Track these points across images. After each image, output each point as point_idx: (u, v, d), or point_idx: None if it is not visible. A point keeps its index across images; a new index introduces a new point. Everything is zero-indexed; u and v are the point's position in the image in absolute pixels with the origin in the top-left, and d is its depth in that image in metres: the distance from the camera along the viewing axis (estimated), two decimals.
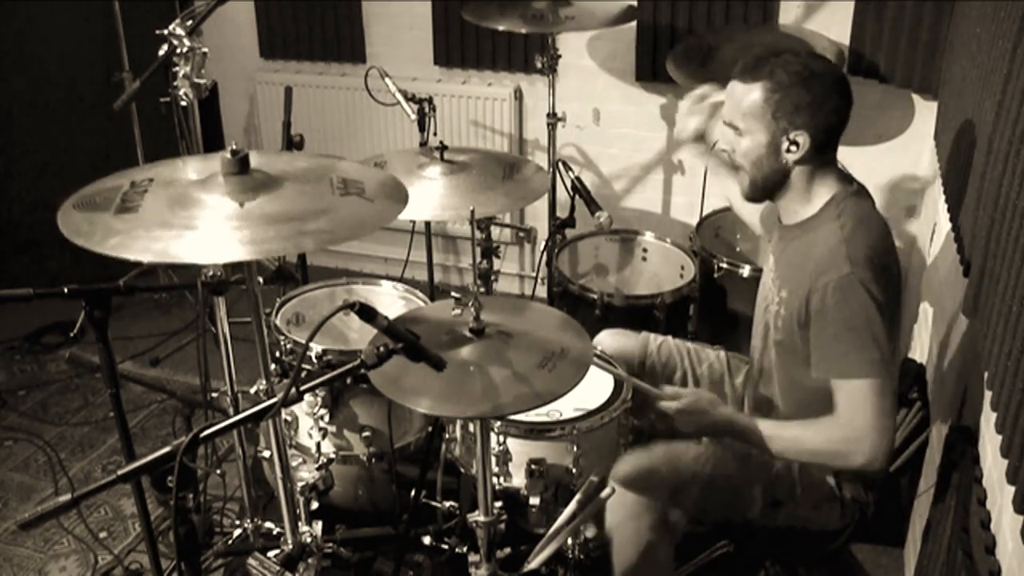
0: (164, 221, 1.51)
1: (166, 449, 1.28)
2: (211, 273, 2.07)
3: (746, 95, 1.77)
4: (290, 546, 1.97)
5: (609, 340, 2.29)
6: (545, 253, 3.21)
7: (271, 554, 1.84)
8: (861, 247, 1.71)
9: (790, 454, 1.83)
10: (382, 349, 1.43)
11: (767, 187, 1.85)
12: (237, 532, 2.41)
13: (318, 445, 2.32)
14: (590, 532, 2.05)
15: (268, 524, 2.38)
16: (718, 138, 1.91)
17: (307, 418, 2.33)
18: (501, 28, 2.98)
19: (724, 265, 2.75)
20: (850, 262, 1.69)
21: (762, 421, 1.85)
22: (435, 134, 2.89)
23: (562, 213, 3.09)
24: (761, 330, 2.00)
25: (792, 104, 1.73)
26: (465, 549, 2.13)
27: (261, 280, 1.87)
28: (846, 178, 1.85)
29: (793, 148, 1.76)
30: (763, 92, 1.75)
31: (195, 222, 1.51)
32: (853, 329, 1.69)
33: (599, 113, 3.58)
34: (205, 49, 2.11)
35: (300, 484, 2.19)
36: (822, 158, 1.80)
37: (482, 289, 2.99)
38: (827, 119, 1.75)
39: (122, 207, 1.54)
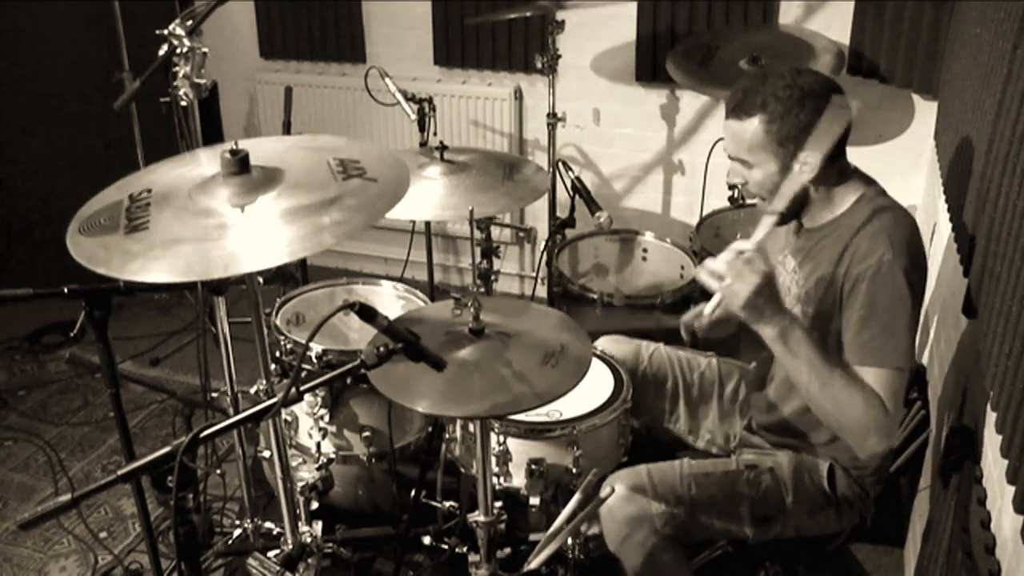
0: (179, 237, 1.47)
1: (166, 449, 1.28)
2: None
3: (746, 131, 1.76)
4: (290, 546, 1.97)
5: (605, 346, 2.31)
6: (545, 253, 3.21)
7: (271, 554, 1.84)
8: (901, 237, 1.71)
9: (824, 401, 1.69)
10: (382, 349, 1.42)
11: (793, 208, 1.83)
12: (237, 532, 2.41)
13: (318, 445, 2.32)
14: (595, 530, 2.05)
15: (268, 524, 2.38)
16: (733, 179, 1.86)
17: (307, 418, 2.33)
18: (502, 18, 2.95)
19: None
20: (892, 249, 1.69)
21: (818, 348, 1.69)
22: (435, 134, 2.89)
23: (562, 213, 3.09)
24: None
25: (794, 128, 1.72)
26: (465, 549, 2.13)
27: (261, 280, 1.87)
28: (868, 180, 1.85)
29: (806, 169, 1.75)
30: (762, 124, 1.74)
31: (209, 232, 1.48)
32: (888, 316, 1.69)
33: (599, 113, 3.58)
34: (205, 49, 2.11)
35: (300, 484, 2.19)
36: (836, 167, 1.80)
37: (482, 289, 2.99)
38: None
39: (131, 226, 1.51)
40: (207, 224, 1.51)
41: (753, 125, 1.75)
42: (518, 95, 3.63)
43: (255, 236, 1.48)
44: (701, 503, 1.88)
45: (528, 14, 3.08)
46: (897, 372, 1.69)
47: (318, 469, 2.29)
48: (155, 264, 1.41)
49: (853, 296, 1.73)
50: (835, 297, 1.77)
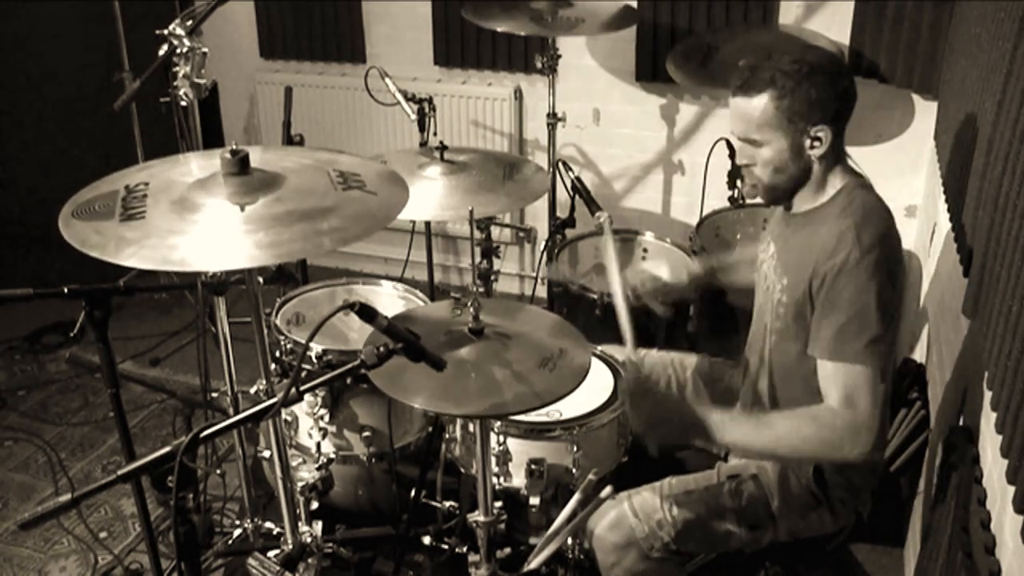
0: (175, 228, 1.49)
1: (166, 449, 1.28)
2: (211, 273, 2.06)
3: (755, 108, 1.74)
4: (290, 546, 1.97)
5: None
6: (545, 253, 3.21)
7: (271, 554, 1.84)
8: (870, 234, 1.70)
9: (783, 450, 1.73)
10: (382, 349, 1.43)
11: (791, 188, 1.83)
12: (237, 532, 2.41)
13: (318, 445, 2.32)
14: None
15: (268, 524, 2.38)
16: (741, 159, 1.86)
17: (307, 418, 2.33)
18: (501, 29, 2.97)
19: None
20: (859, 247, 1.68)
21: (743, 416, 1.80)
22: (435, 134, 2.89)
23: (562, 213, 3.09)
24: (761, 319, 1.99)
25: (804, 103, 1.71)
26: (465, 549, 2.13)
27: (261, 280, 1.87)
28: (853, 171, 1.85)
29: (816, 144, 1.75)
30: (771, 100, 1.72)
31: (205, 227, 1.50)
32: (852, 312, 1.68)
33: (599, 113, 3.58)
34: (205, 49, 2.11)
35: (300, 484, 2.19)
36: (838, 147, 1.79)
37: (482, 289, 2.99)
38: (839, 106, 1.74)
39: (127, 215, 1.52)
40: (201, 220, 1.52)
41: (762, 101, 1.72)
42: (518, 95, 3.63)
43: (250, 235, 1.49)
44: (685, 522, 1.87)
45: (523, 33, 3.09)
46: (868, 369, 1.67)
47: (318, 469, 2.29)
48: (150, 253, 1.43)
49: (821, 292, 1.73)
50: (805, 290, 1.77)
